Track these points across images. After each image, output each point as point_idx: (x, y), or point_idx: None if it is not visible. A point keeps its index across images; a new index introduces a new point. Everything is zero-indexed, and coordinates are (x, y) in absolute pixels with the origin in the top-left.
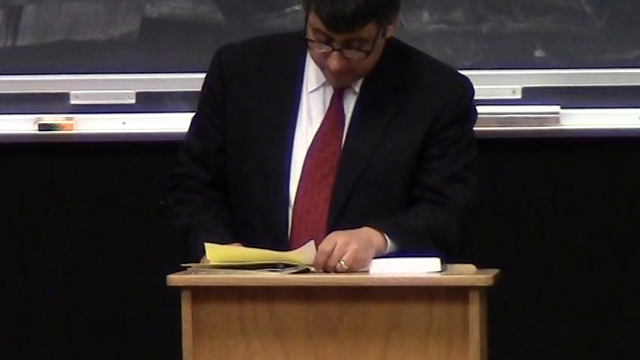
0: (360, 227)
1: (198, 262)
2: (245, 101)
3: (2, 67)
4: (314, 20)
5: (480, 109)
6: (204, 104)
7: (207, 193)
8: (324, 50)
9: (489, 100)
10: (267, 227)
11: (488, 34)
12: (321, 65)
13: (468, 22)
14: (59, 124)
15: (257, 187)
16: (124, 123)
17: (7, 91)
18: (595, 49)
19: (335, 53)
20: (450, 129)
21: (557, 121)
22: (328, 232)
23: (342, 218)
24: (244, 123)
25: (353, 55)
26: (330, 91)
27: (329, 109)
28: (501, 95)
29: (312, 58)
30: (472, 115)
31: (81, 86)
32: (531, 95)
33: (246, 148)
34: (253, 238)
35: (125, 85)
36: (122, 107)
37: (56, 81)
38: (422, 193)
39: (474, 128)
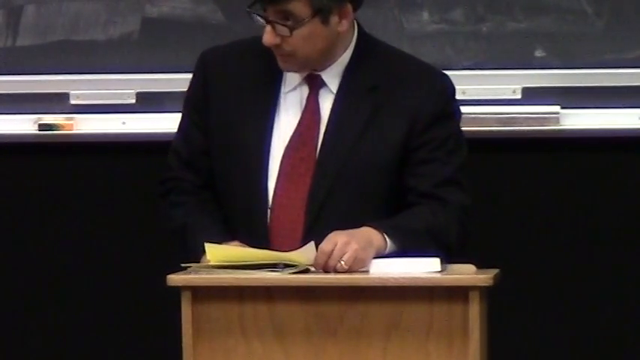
0: (338, 228)
1: (197, 261)
2: (226, 103)
3: (2, 67)
4: None
5: (479, 109)
6: (188, 107)
7: (200, 195)
8: (260, 24)
9: (489, 100)
10: (247, 227)
11: (488, 34)
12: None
13: (468, 22)
14: (59, 124)
15: (238, 188)
16: (123, 123)
17: (7, 91)
18: (595, 49)
19: (267, 27)
20: (433, 130)
21: (557, 121)
22: (305, 232)
23: (319, 218)
24: (225, 125)
25: (280, 30)
26: (306, 91)
27: (305, 108)
28: (501, 95)
29: None
30: (455, 114)
31: (81, 86)
32: (531, 95)
33: (228, 149)
34: (237, 239)
35: (125, 85)
36: (122, 107)
37: (56, 81)
38: (417, 199)
39: (473, 128)
